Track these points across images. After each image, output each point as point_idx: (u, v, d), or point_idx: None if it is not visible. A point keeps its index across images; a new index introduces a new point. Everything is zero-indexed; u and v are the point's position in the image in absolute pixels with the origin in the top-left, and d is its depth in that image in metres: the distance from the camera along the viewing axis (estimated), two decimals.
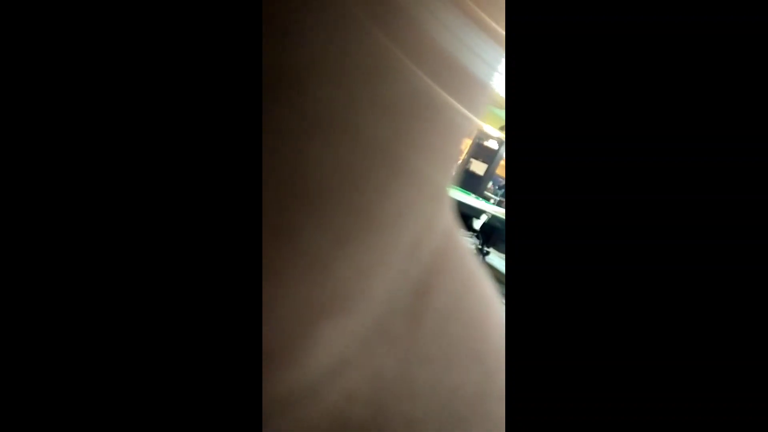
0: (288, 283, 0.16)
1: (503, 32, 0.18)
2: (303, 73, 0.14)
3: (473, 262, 0.23)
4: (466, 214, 3.69)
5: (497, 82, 0.20)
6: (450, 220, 0.22)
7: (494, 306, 0.23)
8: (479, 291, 0.22)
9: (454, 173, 0.21)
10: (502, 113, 0.19)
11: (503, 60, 0.19)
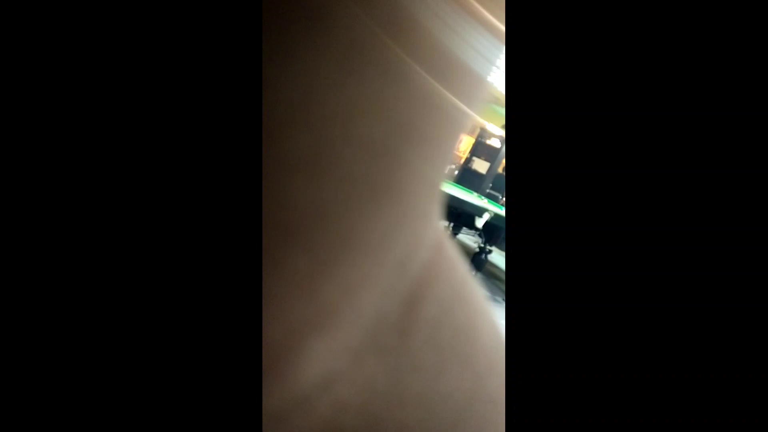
0: (276, 303, 0.16)
1: (503, 28, 0.18)
2: (287, 112, 0.15)
3: (463, 270, 0.23)
4: (469, 213, 3.70)
5: (496, 78, 0.20)
6: (439, 231, 0.22)
7: (484, 312, 0.23)
8: (469, 299, 0.22)
9: (445, 180, 0.21)
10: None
11: (502, 55, 0.18)
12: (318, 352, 0.17)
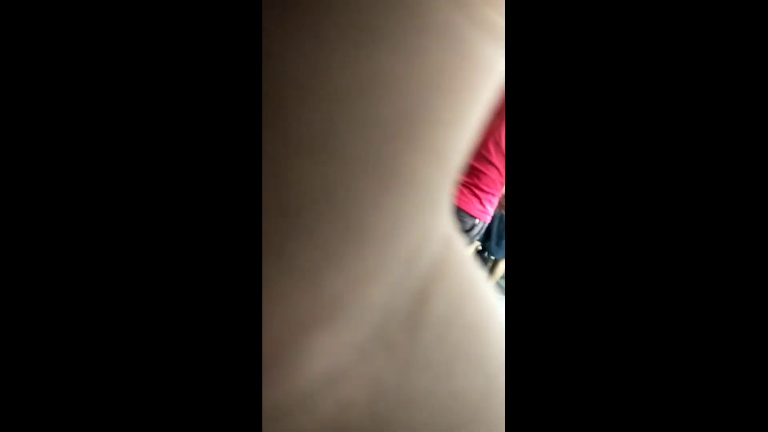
0: (279, 296, 0.16)
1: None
2: (290, 89, 0.14)
3: (473, 267, 0.23)
4: None
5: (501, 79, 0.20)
6: (448, 226, 0.22)
7: (495, 310, 0.22)
8: (479, 295, 0.22)
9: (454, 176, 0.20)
10: None
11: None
12: (323, 347, 0.17)
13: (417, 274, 0.19)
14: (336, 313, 0.17)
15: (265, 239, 0.15)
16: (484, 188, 1.98)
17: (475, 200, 1.99)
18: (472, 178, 1.96)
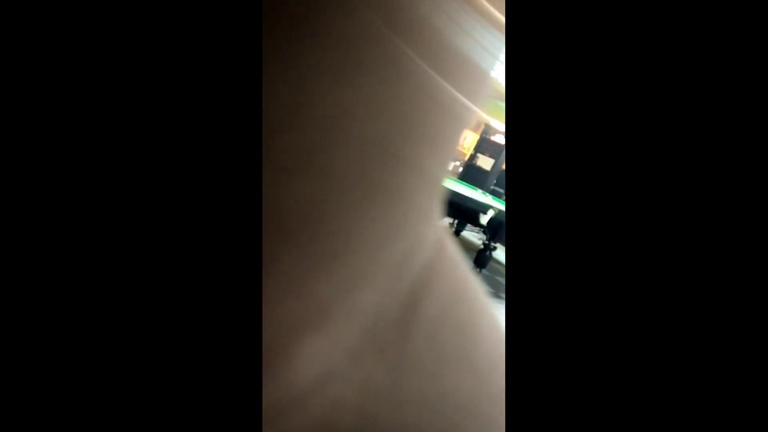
0: (271, 301, 0.16)
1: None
2: (283, 115, 0.15)
3: (464, 269, 0.23)
4: (473, 210, 3.69)
5: (500, 73, 0.20)
6: (440, 230, 0.22)
7: (486, 310, 0.23)
8: (471, 297, 0.22)
9: (448, 176, 0.21)
10: None
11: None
12: (314, 350, 0.17)
13: (408, 278, 0.19)
14: (326, 318, 0.17)
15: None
16: None
17: None
18: None
